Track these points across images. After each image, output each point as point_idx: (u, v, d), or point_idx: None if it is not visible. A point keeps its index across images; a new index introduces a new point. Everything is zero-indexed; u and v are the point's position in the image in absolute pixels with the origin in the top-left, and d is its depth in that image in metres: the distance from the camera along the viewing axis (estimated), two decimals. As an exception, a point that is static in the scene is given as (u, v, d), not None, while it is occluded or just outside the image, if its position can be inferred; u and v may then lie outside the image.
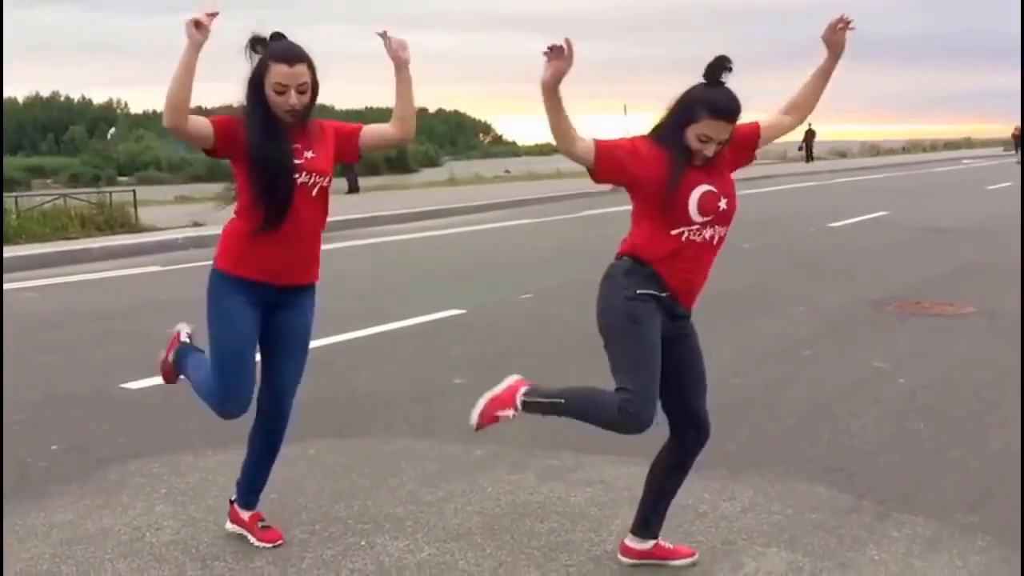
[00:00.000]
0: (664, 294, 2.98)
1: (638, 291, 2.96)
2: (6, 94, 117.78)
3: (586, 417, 3.09)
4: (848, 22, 3.06)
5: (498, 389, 3.15)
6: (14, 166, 61.61)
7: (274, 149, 3.11)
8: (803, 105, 3.19)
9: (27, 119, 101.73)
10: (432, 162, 67.91)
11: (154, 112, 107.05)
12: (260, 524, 3.41)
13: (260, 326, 3.29)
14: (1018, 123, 42.09)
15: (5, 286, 9.89)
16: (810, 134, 40.96)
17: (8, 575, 3.20)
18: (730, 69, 2.89)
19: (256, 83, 3.10)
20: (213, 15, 2.98)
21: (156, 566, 3.25)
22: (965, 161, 42.50)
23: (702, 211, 2.93)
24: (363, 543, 3.42)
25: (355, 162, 3.47)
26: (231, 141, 3.13)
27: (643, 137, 3.01)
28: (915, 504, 3.72)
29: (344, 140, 3.31)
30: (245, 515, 3.44)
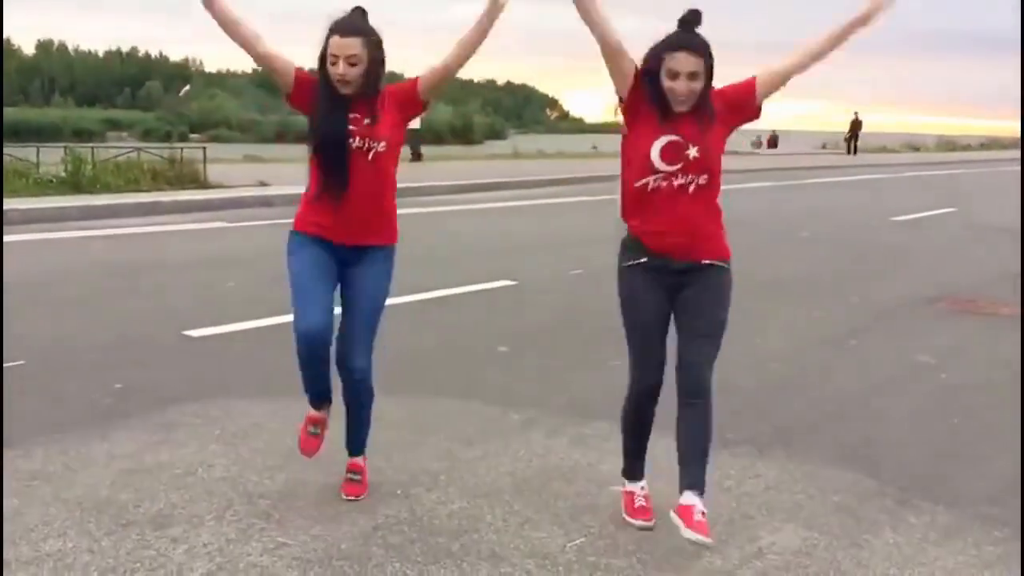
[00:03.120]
0: (645, 259, 3.18)
1: (626, 264, 3.24)
2: (88, 46, 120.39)
3: (625, 422, 3.49)
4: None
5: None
6: (91, 118, 63.31)
7: (329, 123, 3.28)
8: (816, 50, 3.17)
9: (105, 73, 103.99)
10: (498, 135, 67.91)
11: (228, 71, 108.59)
12: (310, 428, 3.64)
13: (336, 272, 3.43)
14: None
15: (80, 233, 10.33)
16: (856, 124, 38.36)
17: (71, 498, 3.46)
18: (699, 21, 3.07)
19: (322, 54, 3.30)
20: None
21: (206, 499, 3.49)
22: (1044, 161, 41.18)
23: (667, 160, 3.07)
24: (399, 492, 3.62)
25: (422, 112, 3.54)
26: (304, 96, 3.35)
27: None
28: (937, 493, 3.79)
29: (405, 97, 3.42)
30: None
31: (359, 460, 3.68)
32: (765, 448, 4.23)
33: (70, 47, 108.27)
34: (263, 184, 15.60)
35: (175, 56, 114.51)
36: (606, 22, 3.08)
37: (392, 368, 5.21)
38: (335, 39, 3.24)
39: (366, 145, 3.31)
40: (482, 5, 3.34)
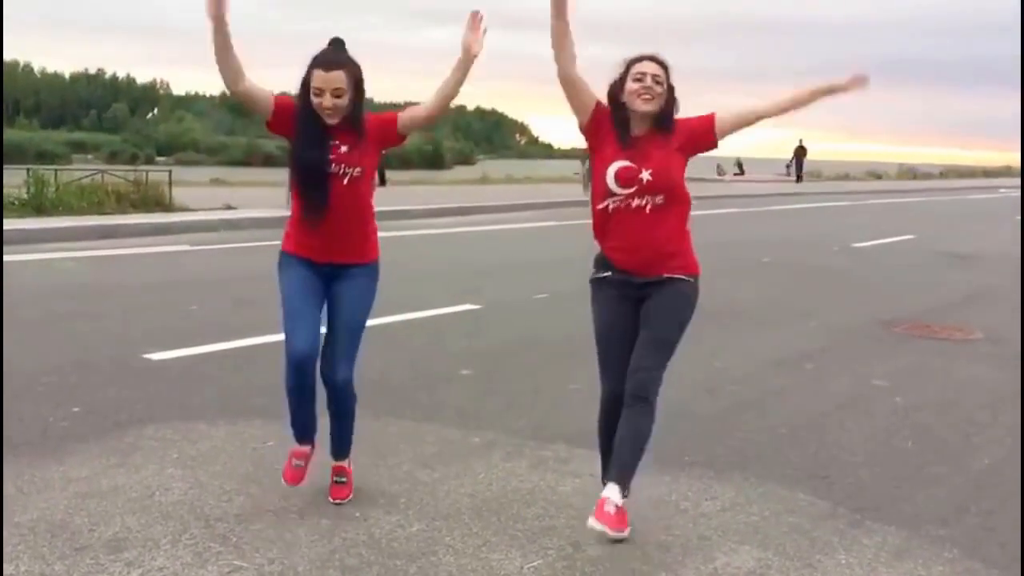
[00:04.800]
0: (609, 273, 3.40)
1: (593, 277, 3.47)
2: (54, 68, 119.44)
3: (599, 434, 3.67)
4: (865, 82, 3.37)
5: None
6: (55, 139, 62.58)
7: (310, 151, 3.41)
8: (783, 105, 3.41)
9: (71, 94, 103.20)
10: (467, 160, 68.15)
11: (196, 94, 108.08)
12: (295, 462, 3.69)
13: (322, 290, 3.58)
14: None
15: (41, 255, 10.23)
16: (800, 151, 38.26)
17: (24, 522, 3.42)
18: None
19: (304, 85, 3.41)
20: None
21: (163, 522, 3.47)
22: (1002, 190, 42.08)
23: (621, 183, 3.28)
24: (357, 515, 3.61)
25: (399, 145, 3.73)
26: (285, 122, 3.46)
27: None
28: (889, 515, 3.86)
29: (383, 128, 3.55)
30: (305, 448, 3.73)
31: (344, 463, 3.79)
32: (722, 470, 4.28)
33: (36, 68, 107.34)
34: (229, 207, 15.55)
35: (142, 78, 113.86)
36: (573, 59, 3.34)
37: (354, 391, 5.23)
38: (319, 73, 3.35)
39: (342, 171, 3.44)
40: (455, 56, 3.48)
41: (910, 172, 56.74)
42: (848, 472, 4.35)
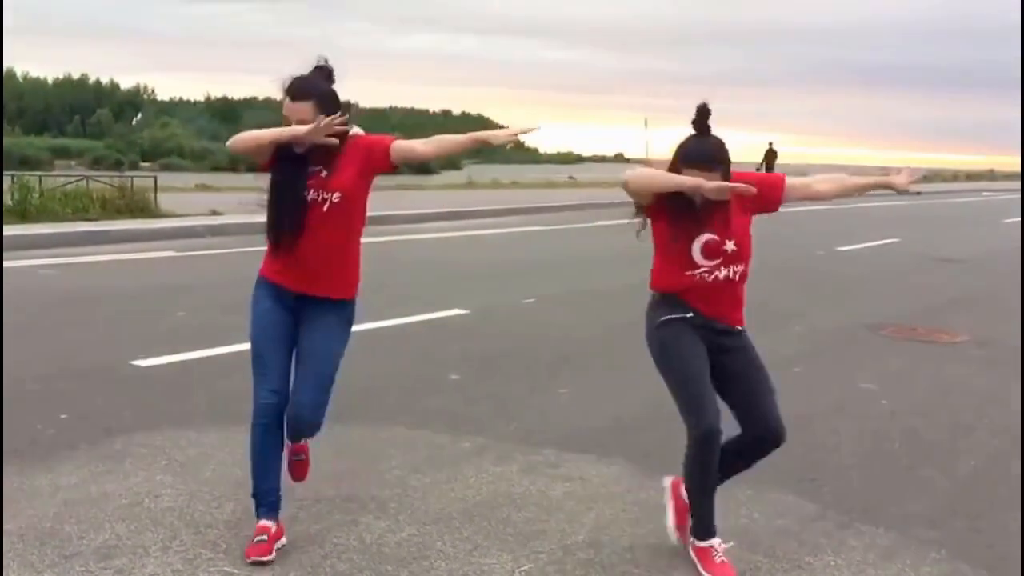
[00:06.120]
0: (690, 314, 3.28)
1: (663, 318, 3.30)
2: (37, 73, 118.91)
3: (692, 478, 3.43)
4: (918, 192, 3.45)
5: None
6: (38, 145, 62.07)
7: (284, 175, 3.32)
8: (834, 190, 3.47)
9: (55, 100, 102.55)
10: (453, 164, 68.10)
11: (180, 100, 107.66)
12: (256, 538, 3.31)
13: (291, 328, 3.40)
14: None
15: (27, 262, 10.17)
16: (771, 154, 37.76)
17: (13, 529, 3.41)
18: (708, 115, 3.20)
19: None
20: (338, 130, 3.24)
21: (152, 529, 3.46)
22: (985, 193, 42.41)
23: (707, 256, 3.22)
24: (348, 521, 3.62)
25: (390, 171, 3.55)
26: (272, 156, 3.39)
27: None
28: (878, 517, 3.88)
29: (374, 152, 3.38)
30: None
31: (302, 442, 3.61)
32: (711, 473, 4.29)
33: (19, 73, 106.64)
34: (215, 213, 15.49)
35: (126, 84, 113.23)
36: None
37: (343, 396, 5.17)
38: (287, 102, 3.29)
39: (320, 196, 3.29)
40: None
41: (894, 176, 56.96)
42: (836, 475, 4.38)
